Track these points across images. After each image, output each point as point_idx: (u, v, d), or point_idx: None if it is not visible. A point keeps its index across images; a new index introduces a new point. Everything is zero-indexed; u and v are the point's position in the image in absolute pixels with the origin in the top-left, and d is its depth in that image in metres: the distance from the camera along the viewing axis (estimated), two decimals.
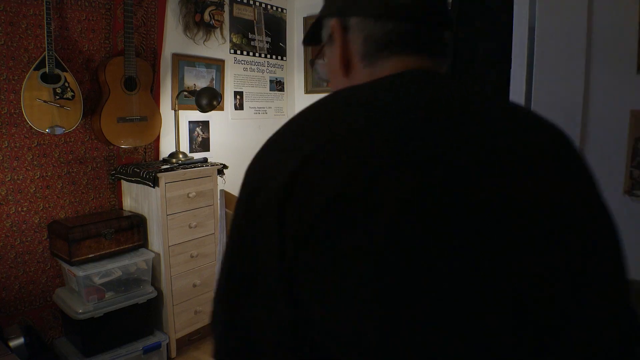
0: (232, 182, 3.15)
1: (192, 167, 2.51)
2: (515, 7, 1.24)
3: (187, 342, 2.60)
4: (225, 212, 2.22)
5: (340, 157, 0.40)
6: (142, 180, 2.38)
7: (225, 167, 2.71)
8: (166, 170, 2.39)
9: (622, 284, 0.50)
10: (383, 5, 0.54)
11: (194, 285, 2.57)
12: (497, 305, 0.38)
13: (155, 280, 2.43)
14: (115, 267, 2.24)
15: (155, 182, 2.33)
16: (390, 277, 0.37)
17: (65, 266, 2.21)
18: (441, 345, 0.37)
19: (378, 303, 0.37)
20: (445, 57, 0.58)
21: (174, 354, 2.48)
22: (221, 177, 2.70)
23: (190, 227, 2.51)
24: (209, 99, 2.58)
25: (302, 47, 3.72)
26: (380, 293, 0.37)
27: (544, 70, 1.17)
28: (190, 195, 2.49)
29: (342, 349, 0.39)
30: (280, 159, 0.44)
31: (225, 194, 2.34)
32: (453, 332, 0.37)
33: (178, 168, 2.46)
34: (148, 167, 2.46)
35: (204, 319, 2.66)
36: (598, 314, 0.44)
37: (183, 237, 2.49)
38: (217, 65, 3.08)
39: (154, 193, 2.36)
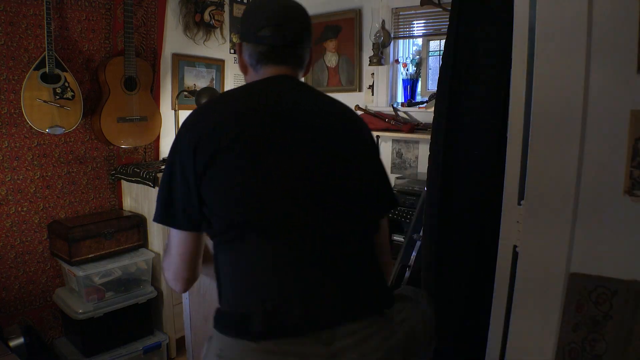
0: None
1: None
2: (515, 7, 1.24)
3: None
4: None
5: (216, 131, 0.90)
6: (142, 180, 2.38)
7: None
8: None
9: (372, 174, 1.03)
10: (254, 36, 1.00)
11: None
12: (298, 174, 0.91)
13: (155, 280, 2.43)
14: (115, 267, 2.24)
15: (155, 182, 2.33)
16: (242, 167, 0.89)
17: (65, 266, 2.21)
18: (268, 193, 0.89)
19: (240, 176, 0.89)
20: (300, 65, 1.07)
21: (174, 354, 2.48)
22: None
23: None
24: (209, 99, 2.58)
25: None
26: (240, 172, 0.89)
27: (544, 70, 1.17)
28: None
29: (219, 208, 0.89)
30: (196, 125, 0.93)
31: None
32: (273, 185, 0.89)
33: None
34: (148, 167, 2.46)
35: None
36: (356, 183, 0.97)
37: None
38: (217, 65, 3.08)
39: (154, 193, 2.36)
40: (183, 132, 0.93)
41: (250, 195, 0.88)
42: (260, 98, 0.97)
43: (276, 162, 0.90)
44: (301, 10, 1.05)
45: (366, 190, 1.00)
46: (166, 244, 1.00)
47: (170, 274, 0.98)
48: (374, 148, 1.09)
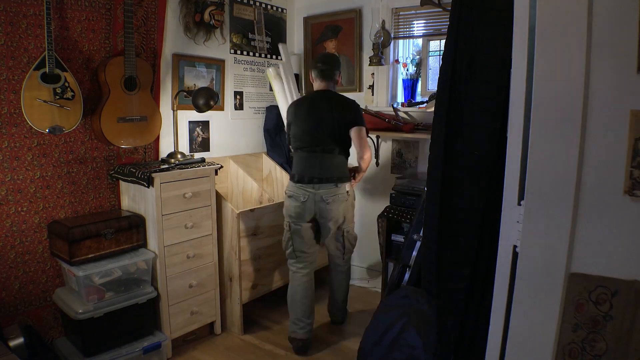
0: (232, 182, 3.14)
1: (189, 168, 2.51)
2: (515, 7, 1.24)
3: (182, 342, 2.60)
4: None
5: (294, 107, 2.65)
6: (137, 180, 2.38)
7: (221, 167, 2.71)
8: (161, 170, 2.39)
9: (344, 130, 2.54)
10: (314, 68, 2.63)
11: (190, 286, 2.56)
12: (313, 125, 2.54)
13: (155, 280, 2.43)
14: (115, 267, 2.24)
15: (149, 182, 2.33)
16: (294, 118, 2.62)
17: (65, 266, 2.21)
18: (305, 132, 2.55)
19: (297, 120, 2.60)
20: (333, 79, 2.61)
21: (169, 354, 2.48)
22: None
23: (186, 227, 2.51)
24: (206, 99, 2.57)
25: (302, 48, 3.72)
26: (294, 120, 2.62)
27: (544, 70, 1.17)
28: (186, 195, 2.49)
29: (293, 135, 2.62)
30: (289, 105, 2.74)
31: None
32: (307, 131, 2.54)
33: (175, 168, 2.45)
34: (144, 167, 2.46)
35: (200, 320, 2.66)
36: (340, 128, 2.52)
37: (179, 238, 2.49)
38: (217, 65, 3.08)
39: (150, 193, 2.36)
40: (288, 107, 2.69)
41: (296, 134, 2.57)
42: (309, 98, 2.64)
43: (307, 122, 2.53)
44: (335, 56, 2.80)
45: (342, 134, 2.51)
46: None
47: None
48: (352, 108, 2.54)
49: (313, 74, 2.62)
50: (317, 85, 2.61)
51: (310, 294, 2.61)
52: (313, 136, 2.50)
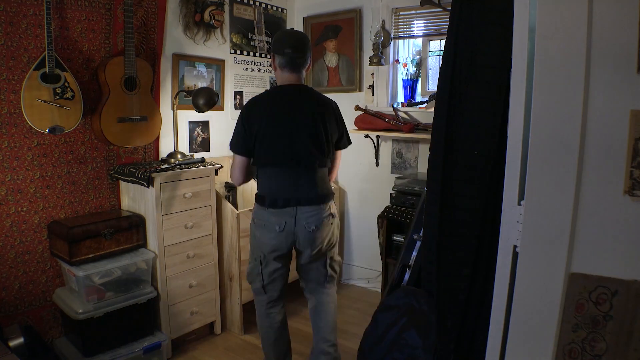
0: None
1: (189, 168, 2.51)
2: (515, 7, 1.24)
3: (182, 342, 2.60)
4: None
5: (258, 109, 1.97)
6: (137, 180, 2.38)
7: (221, 167, 2.71)
8: (161, 170, 2.39)
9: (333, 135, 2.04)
10: (279, 52, 1.95)
11: (190, 286, 2.56)
12: (290, 136, 1.94)
13: (155, 280, 2.43)
14: (115, 267, 2.24)
15: (149, 182, 2.33)
16: (263, 126, 1.95)
17: (65, 266, 2.21)
18: (280, 142, 1.93)
19: (268, 128, 1.94)
20: (305, 67, 2.00)
21: (169, 354, 2.48)
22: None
23: (186, 227, 2.51)
24: (206, 99, 2.57)
25: None
26: (265, 127, 1.94)
27: (544, 71, 1.17)
28: (186, 195, 2.49)
29: (262, 147, 1.95)
30: (247, 107, 1.99)
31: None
32: (281, 142, 1.93)
33: (174, 168, 2.45)
34: (144, 167, 2.46)
35: (200, 320, 2.66)
36: (321, 137, 1.97)
37: (179, 238, 2.49)
38: (217, 65, 3.08)
39: (150, 193, 2.36)
40: (243, 110, 1.99)
41: (269, 146, 1.94)
42: (279, 95, 2.02)
43: (284, 128, 1.94)
44: (307, 39, 2.05)
45: (325, 145, 1.98)
46: (232, 163, 2.04)
47: (233, 178, 2.05)
48: (337, 117, 2.07)
49: (279, 61, 1.96)
50: (285, 77, 1.98)
51: (286, 335, 2.19)
52: (291, 148, 1.92)
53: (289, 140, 1.92)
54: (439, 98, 1.59)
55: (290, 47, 1.92)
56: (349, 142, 2.17)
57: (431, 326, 1.63)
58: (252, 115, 1.95)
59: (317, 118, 1.95)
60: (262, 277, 2.07)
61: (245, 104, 2.02)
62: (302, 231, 1.96)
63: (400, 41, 3.35)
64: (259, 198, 2.01)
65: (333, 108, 2.06)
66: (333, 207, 2.07)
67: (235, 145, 1.99)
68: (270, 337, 2.14)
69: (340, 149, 2.14)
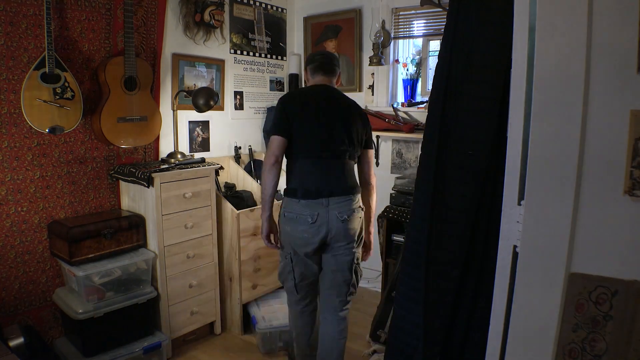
0: (232, 182, 3.14)
1: (189, 168, 2.51)
2: (515, 6, 1.24)
3: (182, 342, 2.60)
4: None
5: (293, 101, 2.07)
6: (137, 180, 2.38)
7: (222, 168, 2.71)
8: (161, 170, 2.39)
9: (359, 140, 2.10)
10: (312, 62, 2.16)
11: (190, 286, 2.56)
12: (323, 128, 2.01)
13: (155, 280, 2.43)
14: (115, 267, 2.24)
15: (149, 182, 2.33)
16: (296, 118, 2.02)
17: (65, 266, 2.21)
18: (313, 133, 2.00)
19: (303, 120, 2.02)
20: (335, 75, 2.16)
21: (169, 354, 2.48)
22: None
23: (186, 227, 2.51)
24: (206, 99, 2.57)
25: (302, 47, 3.72)
26: (298, 120, 2.02)
27: (544, 70, 1.17)
28: (186, 195, 2.48)
29: (297, 137, 2.01)
30: (282, 100, 2.07)
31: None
32: (315, 131, 2.00)
33: (174, 168, 2.45)
34: (144, 167, 2.46)
35: (200, 320, 2.65)
36: (350, 134, 2.04)
37: (179, 238, 2.49)
38: (217, 65, 3.08)
39: (150, 193, 2.36)
40: (279, 102, 2.06)
41: (304, 136, 2.00)
42: (312, 89, 2.13)
43: (318, 119, 2.01)
44: (335, 55, 2.23)
45: (354, 138, 2.05)
46: (267, 152, 2.01)
47: (266, 166, 1.98)
48: (363, 118, 2.12)
49: (311, 69, 2.13)
50: (317, 79, 2.11)
51: (316, 332, 2.21)
52: (325, 139, 1.97)
53: (323, 131, 1.98)
54: (434, 96, 1.57)
55: (320, 55, 2.20)
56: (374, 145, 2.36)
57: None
58: (288, 106, 2.02)
59: (348, 113, 2.05)
60: (293, 275, 2.06)
61: (280, 98, 2.08)
62: (335, 221, 1.95)
63: (400, 41, 3.35)
64: (290, 191, 2.01)
65: (359, 109, 2.13)
66: (360, 200, 2.08)
67: (276, 127, 1.99)
68: (304, 335, 2.18)
69: (370, 148, 2.17)
